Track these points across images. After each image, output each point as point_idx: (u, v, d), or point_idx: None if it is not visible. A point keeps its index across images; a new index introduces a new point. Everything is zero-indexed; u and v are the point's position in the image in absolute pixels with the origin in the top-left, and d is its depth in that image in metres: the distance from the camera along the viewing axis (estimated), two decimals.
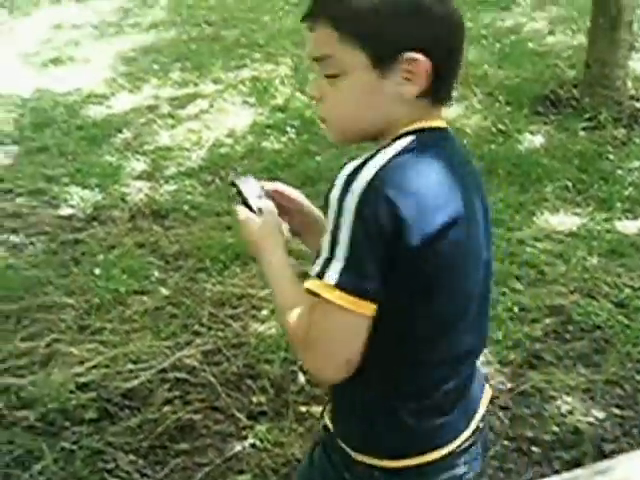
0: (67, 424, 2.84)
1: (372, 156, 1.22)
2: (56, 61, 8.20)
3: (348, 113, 1.35)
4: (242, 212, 1.45)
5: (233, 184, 1.52)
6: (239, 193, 1.49)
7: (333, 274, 1.19)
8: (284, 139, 5.59)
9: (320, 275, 1.21)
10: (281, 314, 1.34)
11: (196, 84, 6.98)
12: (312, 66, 1.38)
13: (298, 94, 6.34)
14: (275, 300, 1.41)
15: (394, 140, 1.27)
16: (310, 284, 1.23)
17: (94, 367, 3.14)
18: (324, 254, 1.22)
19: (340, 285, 1.18)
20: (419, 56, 1.27)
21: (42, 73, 7.84)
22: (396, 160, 1.21)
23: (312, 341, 1.25)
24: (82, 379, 3.06)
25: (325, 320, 1.22)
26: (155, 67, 7.55)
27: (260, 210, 1.44)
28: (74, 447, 2.75)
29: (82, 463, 2.71)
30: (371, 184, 1.17)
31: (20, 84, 7.36)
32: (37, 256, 4.08)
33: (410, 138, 1.27)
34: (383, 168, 1.19)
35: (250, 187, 1.49)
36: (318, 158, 5.12)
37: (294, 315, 1.28)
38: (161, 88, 6.92)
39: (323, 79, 1.33)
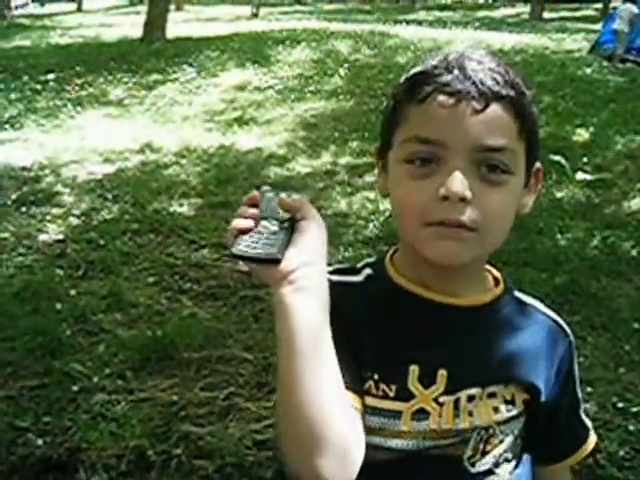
0: None
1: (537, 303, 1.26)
2: (239, 121, 8.59)
3: (506, 224, 1.10)
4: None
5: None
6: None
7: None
8: None
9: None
10: None
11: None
12: (452, 156, 1.04)
13: None
14: None
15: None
16: (593, 440, 1.31)
17: (271, 426, 3.17)
18: (582, 404, 1.30)
19: None
20: (540, 165, 1.18)
21: (226, 131, 8.22)
22: None
23: None
24: (259, 437, 3.09)
25: None
26: (335, 134, 7.76)
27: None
28: None
29: None
30: None
31: (206, 140, 7.75)
32: (218, 308, 4.20)
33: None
34: None
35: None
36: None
37: None
38: (340, 156, 7.09)
39: (473, 175, 1.05)
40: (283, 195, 1.03)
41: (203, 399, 3.37)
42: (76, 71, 11.83)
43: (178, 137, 7.91)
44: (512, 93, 1.06)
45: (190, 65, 11.82)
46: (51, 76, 11.54)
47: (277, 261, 0.98)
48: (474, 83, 1.05)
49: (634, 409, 3.33)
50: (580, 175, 6.46)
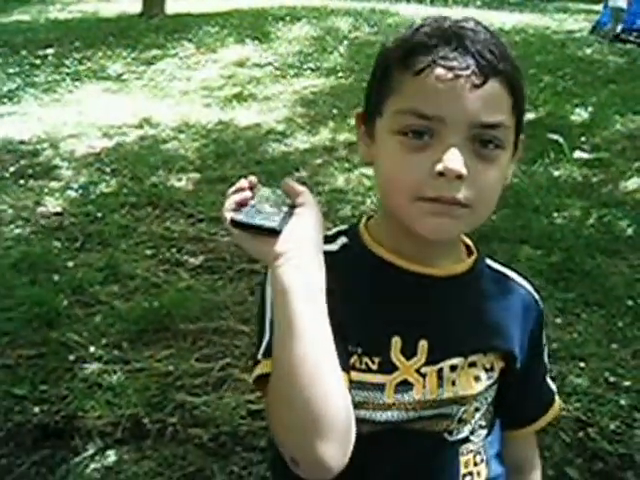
0: (238, 449, 2.89)
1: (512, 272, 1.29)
2: (238, 97, 8.57)
3: (496, 197, 1.10)
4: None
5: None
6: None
7: None
8: None
9: None
10: None
11: None
12: (447, 131, 1.03)
13: None
14: None
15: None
16: (558, 404, 1.36)
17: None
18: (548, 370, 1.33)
19: None
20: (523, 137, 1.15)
21: (225, 107, 8.20)
22: None
23: None
24: (253, 406, 3.11)
25: None
26: (334, 111, 7.75)
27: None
28: (243, 472, 2.78)
29: None
30: None
31: (205, 115, 7.74)
32: (215, 281, 4.22)
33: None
34: None
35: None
36: (493, 217, 5.07)
37: None
38: (338, 132, 7.08)
39: (468, 151, 1.03)
40: (287, 179, 1.05)
41: (199, 370, 3.40)
42: (75, 46, 11.77)
43: (177, 112, 7.90)
44: (508, 67, 1.05)
45: (189, 41, 11.76)
46: (50, 51, 11.48)
47: (277, 233, 0.97)
48: (473, 56, 1.02)
49: (626, 384, 3.36)
50: (578, 154, 6.46)
